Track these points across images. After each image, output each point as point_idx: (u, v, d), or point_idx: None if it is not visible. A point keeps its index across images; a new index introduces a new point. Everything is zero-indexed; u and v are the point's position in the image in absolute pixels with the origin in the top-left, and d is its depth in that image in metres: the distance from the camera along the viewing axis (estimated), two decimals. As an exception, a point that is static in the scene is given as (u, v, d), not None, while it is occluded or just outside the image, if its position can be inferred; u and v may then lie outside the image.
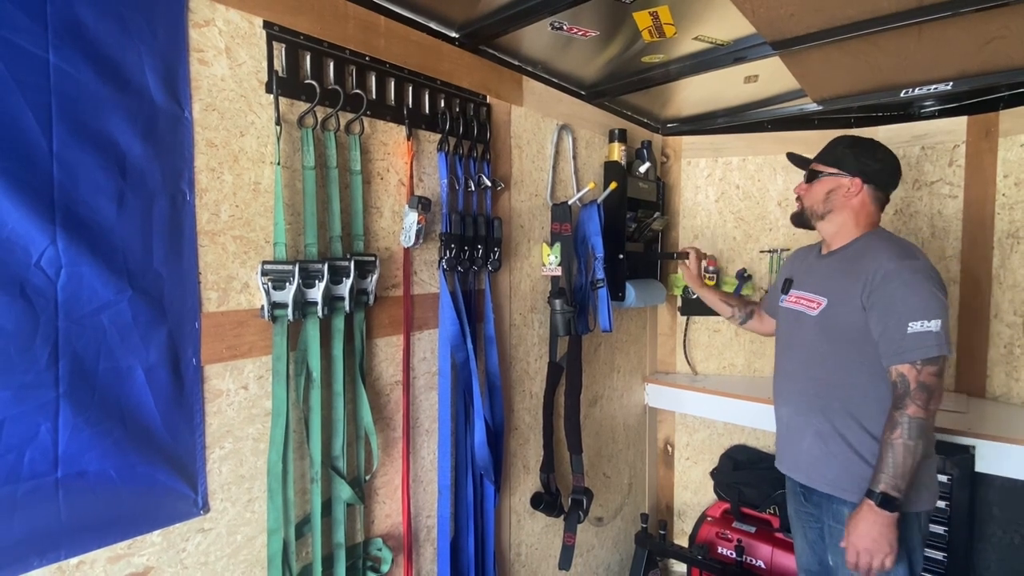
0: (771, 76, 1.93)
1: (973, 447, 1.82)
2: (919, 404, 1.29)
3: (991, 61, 1.75)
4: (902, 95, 1.98)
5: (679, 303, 2.61)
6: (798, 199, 1.61)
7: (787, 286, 1.66)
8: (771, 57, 1.70)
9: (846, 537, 1.35)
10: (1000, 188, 2.15)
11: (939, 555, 1.85)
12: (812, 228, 1.59)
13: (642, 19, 1.50)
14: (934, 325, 1.29)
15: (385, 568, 1.36)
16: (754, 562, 2.23)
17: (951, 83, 1.89)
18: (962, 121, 2.22)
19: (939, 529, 1.84)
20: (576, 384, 1.92)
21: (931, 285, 1.33)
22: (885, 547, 1.30)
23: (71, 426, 0.90)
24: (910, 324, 1.30)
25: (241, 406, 1.12)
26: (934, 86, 1.92)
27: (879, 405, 1.39)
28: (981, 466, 1.82)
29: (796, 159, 1.64)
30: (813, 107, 2.19)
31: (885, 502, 1.29)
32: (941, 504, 1.83)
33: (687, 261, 2.09)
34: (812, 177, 1.55)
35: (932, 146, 2.29)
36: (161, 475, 1.01)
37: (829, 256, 1.56)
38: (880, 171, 1.48)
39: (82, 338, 0.91)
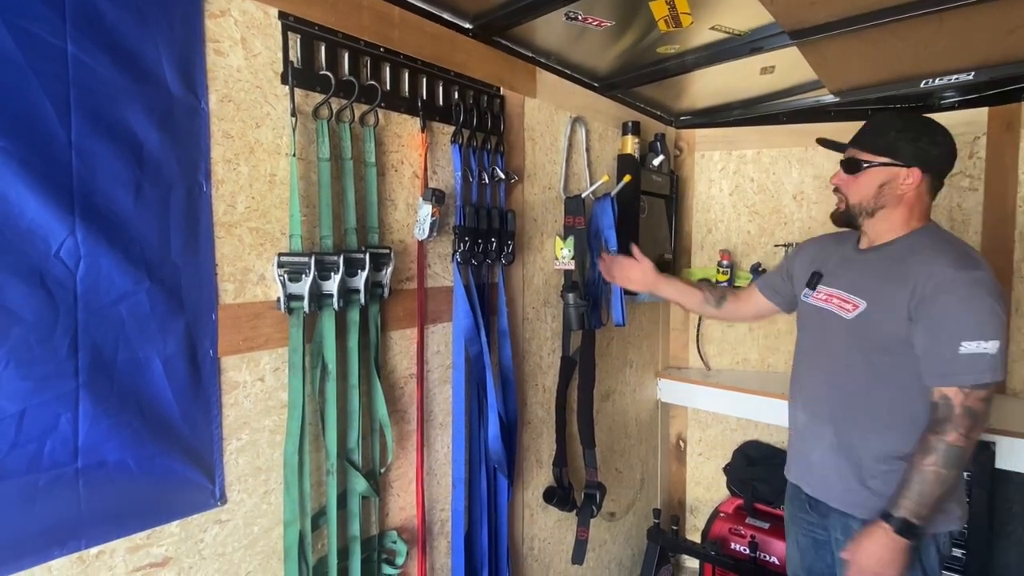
0: (788, 67, 1.91)
1: (993, 443, 1.79)
2: (961, 432, 1.17)
3: (1014, 51, 1.71)
4: (922, 86, 1.94)
5: (692, 298, 2.58)
6: (837, 191, 1.40)
7: (815, 280, 1.48)
8: (788, 47, 1.67)
9: (850, 554, 1.26)
10: (1022, 181, 2.11)
11: (957, 552, 1.82)
12: (857, 227, 1.40)
13: (659, 8, 1.48)
14: (991, 347, 1.16)
15: (400, 561, 1.36)
16: (768, 558, 2.22)
17: (972, 73, 1.85)
18: (983, 112, 2.18)
19: (958, 526, 1.82)
20: (589, 378, 1.91)
21: (992, 300, 1.18)
22: (892, 574, 1.21)
23: (91, 416, 0.90)
24: (963, 344, 1.17)
25: (258, 398, 1.12)
26: (955, 76, 1.88)
27: (905, 424, 1.28)
28: (1001, 463, 1.79)
29: (829, 144, 1.45)
30: (829, 99, 2.16)
31: (904, 529, 1.19)
32: (960, 501, 1.81)
33: (621, 257, 1.76)
34: (856, 167, 1.33)
35: (951, 138, 2.25)
36: (179, 466, 1.01)
37: (870, 252, 1.38)
38: (940, 156, 1.30)
39: (101, 329, 0.91)
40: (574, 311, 1.79)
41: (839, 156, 1.43)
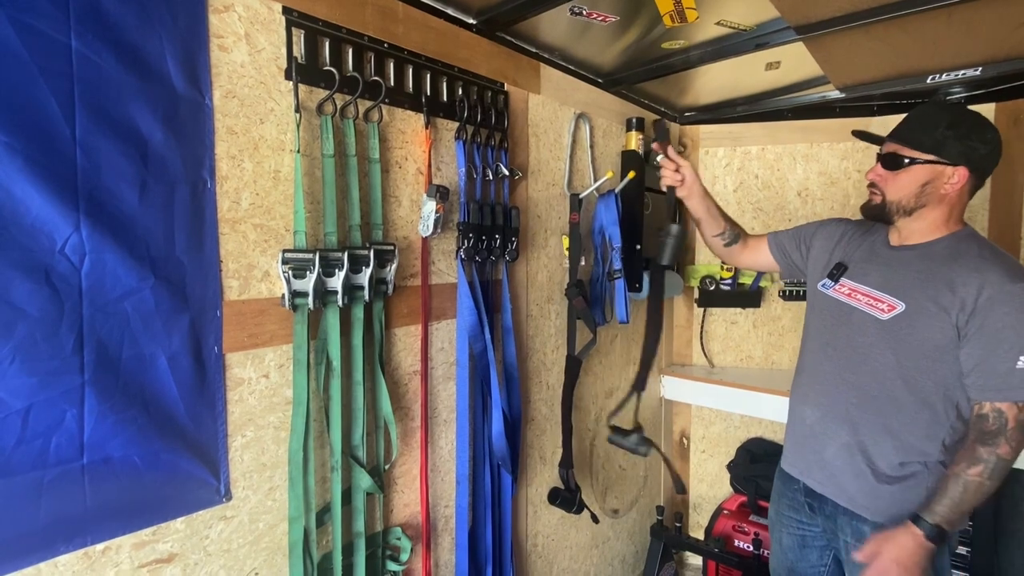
0: (793, 62, 1.89)
1: (999, 441, 1.78)
2: (1012, 445, 1.16)
3: (1022, 45, 1.70)
4: (928, 81, 1.93)
5: (696, 295, 2.58)
6: (873, 187, 1.32)
7: (838, 272, 1.41)
8: (794, 42, 1.66)
9: (868, 556, 1.23)
10: (1029, 177, 2.10)
11: (963, 551, 1.81)
12: (890, 223, 1.34)
13: (663, 3, 1.47)
14: None
15: (404, 557, 1.36)
16: (771, 555, 2.21)
17: (980, 68, 1.84)
18: (990, 108, 2.16)
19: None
20: (657, 323, 1.68)
21: None
22: None
23: (96, 413, 0.90)
24: (1022, 358, 1.15)
25: (262, 394, 1.12)
26: (962, 72, 1.86)
27: (923, 429, 1.27)
28: (1007, 460, 1.78)
29: (865, 137, 1.39)
30: (835, 94, 2.15)
31: (936, 536, 1.17)
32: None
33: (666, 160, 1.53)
34: (897, 164, 1.26)
35: (958, 134, 2.24)
36: (184, 463, 1.01)
37: (904, 250, 1.33)
38: (987, 155, 1.24)
39: (106, 325, 0.91)
40: (675, 241, 1.52)
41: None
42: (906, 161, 1.25)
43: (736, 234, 1.67)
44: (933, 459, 1.27)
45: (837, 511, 1.38)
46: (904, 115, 1.34)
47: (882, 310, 1.30)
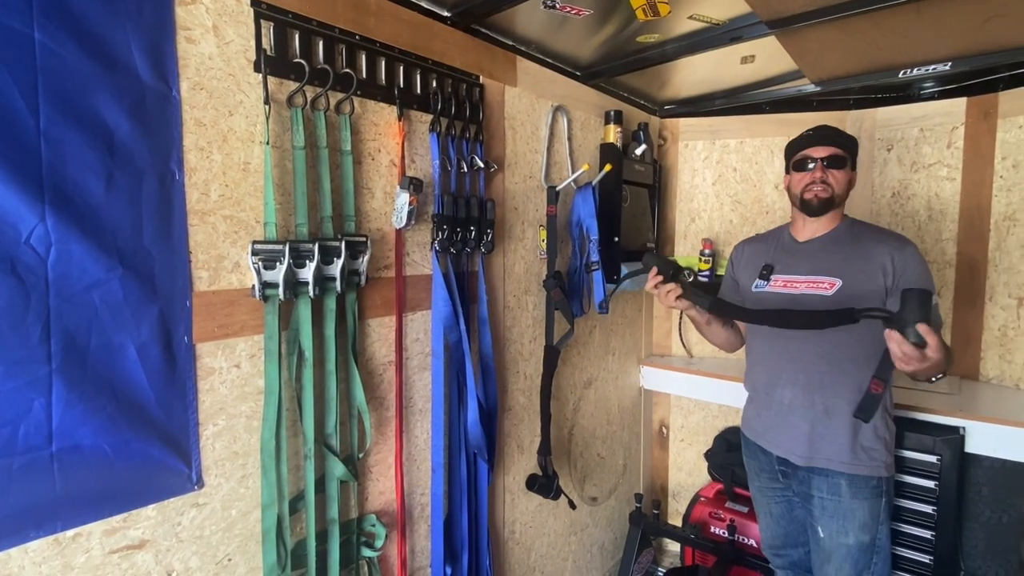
0: (768, 57, 1.92)
1: (963, 428, 1.83)
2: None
3: (990, 40, 1.73)
4: (900, 76, 1.96)
5: (675, 286, 2.61)
6: (824, 183, 1.54)
7: (768, 272, 1.66)
8: (767, 36, 1.68)
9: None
10: (998, 170, 2.14)
11: (927, 534, 1.87)
12: (823, 214, 1.57)
13: (636, -3, 1.48)
14: (936, 298, 1.43)
15: (379, 544, 1.39)
16: (746, 540, 2.26)
17: (950, 63, 1.87)
18: (961, 102, 2.20)
19: (927, 508, 1.86)
20: None
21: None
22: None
23: (64, 401, 0.91)
24: (932, 298, 1.41)
25: (234, 384, 1.14)
26: (933, 66, 1.90)
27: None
28: (971, 447, 1.83)
29: (800, 144, 1.62)
30: (812, 88, 2.17)
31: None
32: (930, 484, 1.85)
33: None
34: (843, 163, 1.54)
35: (931, 128, 2.28)
36: (155, 451, 1.02)
37: (814, 242, 1.61)
38: None
39: (73, 315, 0.92)
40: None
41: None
42: (846, 161, 1.55)
43: (738, 331, 1.84)
44: (891, 405, 1.56)
45: (812, 473, 1.55)
46: (815, 128, 1.61)
47: (824, 288, 1.53)
